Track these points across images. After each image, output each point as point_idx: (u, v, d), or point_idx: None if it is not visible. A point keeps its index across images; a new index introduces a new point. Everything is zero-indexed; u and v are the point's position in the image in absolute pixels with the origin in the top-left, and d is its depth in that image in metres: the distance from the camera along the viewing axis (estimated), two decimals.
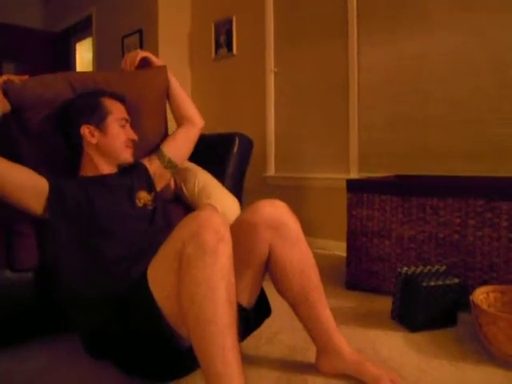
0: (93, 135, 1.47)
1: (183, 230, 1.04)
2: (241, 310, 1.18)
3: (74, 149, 1.51)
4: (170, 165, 1.68)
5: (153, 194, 1.54)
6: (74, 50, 5.57)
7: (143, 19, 3.88)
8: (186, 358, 1.09)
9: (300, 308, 1.27)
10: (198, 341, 0.97)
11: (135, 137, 1.54)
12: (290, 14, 3.23)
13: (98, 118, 1.47)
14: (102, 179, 1.47)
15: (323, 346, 1.26)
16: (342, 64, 2.92)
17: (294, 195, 3.19)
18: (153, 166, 1.64)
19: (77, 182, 1.43)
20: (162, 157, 1.67)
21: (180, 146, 1.73)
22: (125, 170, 1.54)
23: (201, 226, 1.01)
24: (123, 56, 4.06)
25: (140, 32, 3.89)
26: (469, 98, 2.39)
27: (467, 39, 2.37)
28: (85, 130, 1.46)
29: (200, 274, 0.97)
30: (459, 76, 2.41)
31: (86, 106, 1.49)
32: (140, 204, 1.46)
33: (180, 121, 1.79)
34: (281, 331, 1.59)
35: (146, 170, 1.61)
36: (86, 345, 1.27)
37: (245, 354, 1.35)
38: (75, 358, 1.39)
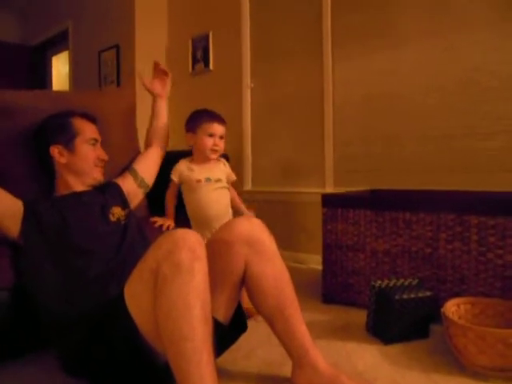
0: (62, 155, 1.49)
1: (159, 249, 1.06)
2: (217, 325, 1.19)
3: (47, 169, 1.53)
4: (142, 184, 1.73)
5: (127, 210, 1.55)
6: (50, 63, 5.53)
7: (120, 34, 3.89)
8: (162, 374, 1.09)
9: (276, 323, 1.27)
10: (174, 357, 0.98)
11: (105, 157, 1.58)
12: (265, 30, 3.29)
13: (67, 138, 1.50)
14: (76, 196, 1.48)
15: (299, 360, 1.27)
16: (317, 79, 2.98)
17: (270, 209, 3.21)
18: (126, 184, 1.67)
19: (51, 201, 1.43)
20: (135, 176, 1.72)
21: (151, 166, 1.81)
22: (98, 189, 1.55)
23: (176, 245, 1.02)
24: (100, 70, 4.08)
25: (117, 47, 3.89)
26: (439, 114, 2.46)
27: (436, 55, 2.46)
28: (54, 151, 1.49)
29: (175, 292, 0.98)
30: (429, 92, 2.49)
31: (55, 126, 1.51)
32: (113, 219, 1.48)
33: (153, 140, 1.86)
34: (258, 346, 1.59)
35: (119, 187, 1.64)
36: (63, 363, 1.26)
37: (222, 369, 1.36)
38: (53, 377, 1.37)
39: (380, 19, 2.68)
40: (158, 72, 1.95)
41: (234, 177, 1.99)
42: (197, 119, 1.89)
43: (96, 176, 1.55)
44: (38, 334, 1.33)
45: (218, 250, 1.26)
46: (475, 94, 2.34)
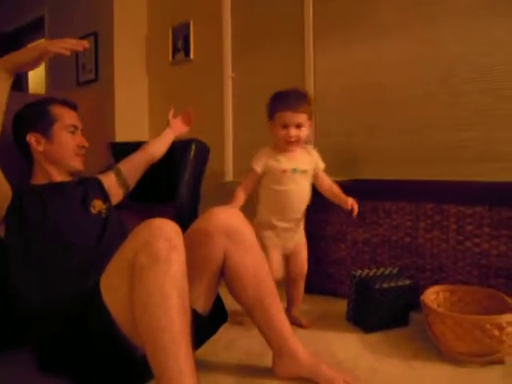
0: (39, 143, 1.44)
1: (135, 239, 1.04)
2: (196, 316, 1.18)
3: (26, 157, 1.48)
4: (124, 184, 1.69)
5: (107, 203, 1.52)
6: None
7: (98, 22, 3.81)
8: (140, 367, 1.07)
9: (255, 312, 1.28)
10: (152, 349, 0.96)
11: (86, 143, 1.52)
12: (247, 19, 3.26)
13: (44, 126, 1.44)
14: (57, 186, 1.44)
15: (279, 350, 1.27)
16: (298, 69, 2.96)
17: (252, 200, 3.20)
18: (108, 181, 1.63)
19: (31, 189, 1.39)
20: (118, 174, 1.68)
21: (136, 169, 1.76)
22: (79, 181, 1.52)
23: (153, 235, 1.01)
24: (77, 59, 3.99)
25: (95, 35, 3.81)
26: (420, 105, 2.47)
27: (417, 46, 2.46)
28: (31, 138, 1.43)
29: (152, 282, 0.97)
30: (410, 82, 2.50)
31: (32, 114, 1.46)
32: (94, 211, 1.44)
33: (146, 153, 1.81)
34: (238, 337, 1.59)
35: (100, 182, 1.60)
36: (39, 358, 1.23)
37: (202, 360, 1.35)
38: (27, 375, 1.34)
39: (362, 9, 2.67)
40: (186, 115, 2.09)
41: (322, 164, 1.83)
42: (272, 106, 1.74)
43: (75, 165, 1.49)
44: (13, 329, 1.30)
45: (197, 240, 1.25)
46: (454, 85, 2.35)
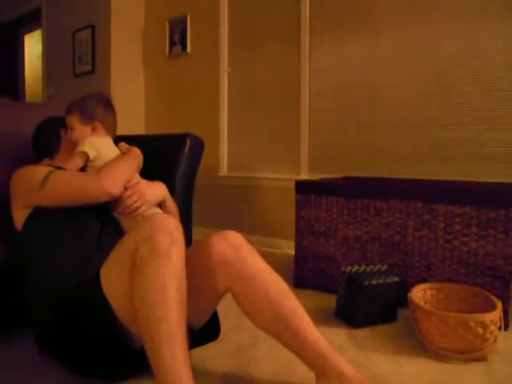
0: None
1: (137, 232, 1.08)
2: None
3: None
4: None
5: None
6: (23, 41, 5.37)
7: (95, 14, 3.80)
8: (137, 357, 1.10)
9: (282, 336, 1.18)
10: (149, 338, 0.99)
11: None
12: (244, 14, 3.27)
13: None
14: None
15: (320, 369, 1.15)
16: (294, 67, 2.98)
17: (245, 195, 3.23)
18: None
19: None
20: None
21: None
22: None
23: (154, 229, 1.05)
24: (74, 51, 3.99)
25: (92, 27, 3.81)
26: (414, 104, 2.50)
27: (412, 46, 2.49)
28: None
29: (152, 274, 1.00)
30: (404, 82, 2.53)
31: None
32: None
33: None
34: (229, 330, 1.62)
35: None
36: (39, 343, 1.27)
37: (193, 353, 1.36)
38: (28, 359, 1.37)
39: (358, 8, 2.69)
40: None
41: None
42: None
43: None
44: (24, 311, 1.34)
45: (198, 268, 1.23)
46: (448, 85, 2.38)
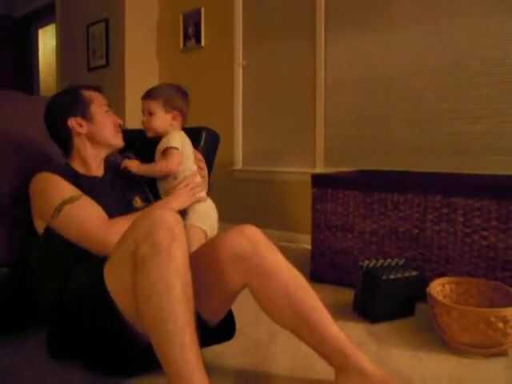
0: (81, 125, 1.45)
1: (136, 230, 1.04)
2: (201, 322, 1.15)
3: (64, 147, 1.49)
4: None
5: (145, 203, 1.56)
6: (37, 36, 5.40)
7: (109, 8, 3.81)
8: (145, 354, 1.08)
9: (302, 332, 1.16)
10: (157, 340, 0.96)
11: (120, 121, 1.54)
12: (258, 7, 3.24)
13: (82, 109, 1.45)
14: (102, 181, 1.48)
15: (340, 366, 1.12)
16: (309, 60, 2.96)
17: (261, 189, 3.22)
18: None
19: (77, 180, 1.39)
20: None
21: None
22: (114, 175, 1.54)
23: (154, 225, 1.01)
24: (88, 45, 4.00)
25: (106, 21, 3.81)
26: (429, 97, 2.47)
27: (427, 39, 2.45)
28: (72, 123, 1.44)
29: (154, 273, 0.97)
30: (420, 75, 2.49)
31: (67, 100, 1.47)
32: (137, 205, 1.50)
33: None
34: (246, 325, 1.62)
35: (143, 184, 1.64)
36: (50, 344, 1.28)
37: (208, 348, 1.36)
38: (38, 360, 1.37)
39: (374, 0, 2.65)
40: None
41: None
42: None
43: (117, 142, 1.51)
44: (35, 308, 1.36)
45: (213, 264, 1.20)
46: (464, 78, 2.35)
